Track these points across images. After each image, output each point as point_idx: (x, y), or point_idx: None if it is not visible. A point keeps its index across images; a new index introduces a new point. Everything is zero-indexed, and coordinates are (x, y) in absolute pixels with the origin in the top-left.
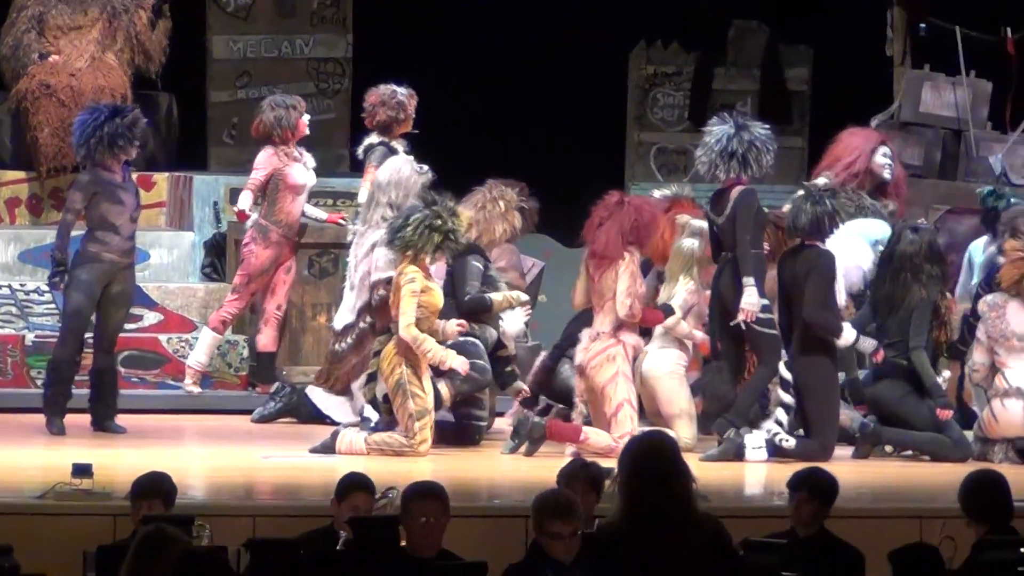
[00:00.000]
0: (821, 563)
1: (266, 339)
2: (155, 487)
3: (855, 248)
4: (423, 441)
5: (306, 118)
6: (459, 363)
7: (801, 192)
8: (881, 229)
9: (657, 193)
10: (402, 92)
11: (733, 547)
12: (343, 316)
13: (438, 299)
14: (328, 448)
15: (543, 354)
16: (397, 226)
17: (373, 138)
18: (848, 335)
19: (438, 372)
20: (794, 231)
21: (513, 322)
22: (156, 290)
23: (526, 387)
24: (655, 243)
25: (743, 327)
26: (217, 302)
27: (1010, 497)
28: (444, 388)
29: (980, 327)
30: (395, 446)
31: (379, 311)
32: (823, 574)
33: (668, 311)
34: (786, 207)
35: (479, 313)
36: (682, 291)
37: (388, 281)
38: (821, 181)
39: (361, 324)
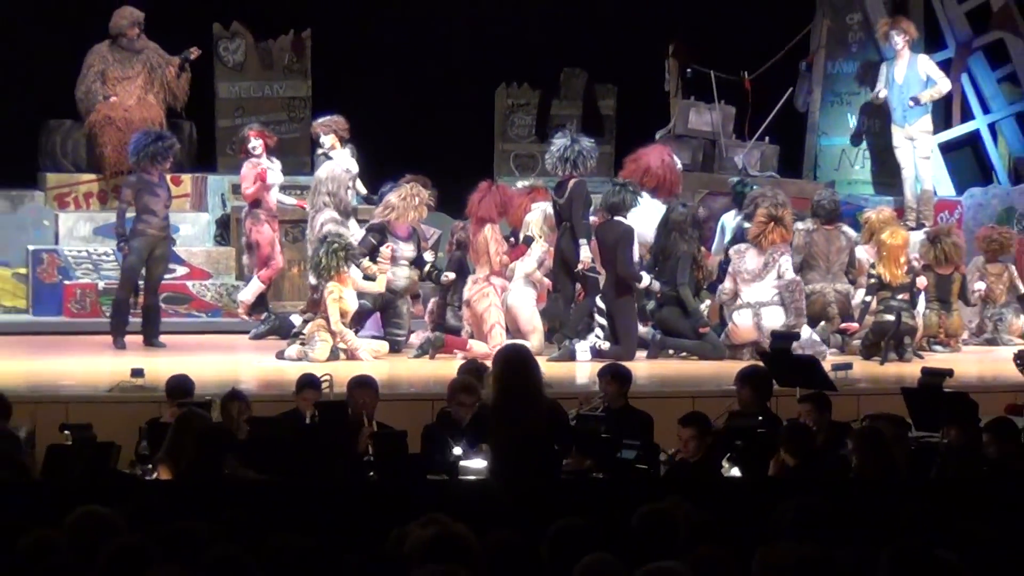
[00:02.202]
0: (626, 426)
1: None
2: (179, 385)
3: (651, 217)
4: (320, 354)
5: (253, 141)
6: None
7: (610, 184)
8: (661, 207)
9: (519, 184)
10: (336, 117)
11: (568, 421)
12: (311, 276)
13: (347, 305)
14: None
15: (433, 299)
16: (315, 262)
17: (318, 150)
18: (645, 280)
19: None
20: (605, 209)
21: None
22: (184, 252)
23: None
24: (517, 214)
25: (580, 273)
26: (226, 259)
27: (770, 383)
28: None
29: (731, 266)
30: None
31: None
32: (628, 433)
33: (528, 241)
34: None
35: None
36: (539, 250)
37: None
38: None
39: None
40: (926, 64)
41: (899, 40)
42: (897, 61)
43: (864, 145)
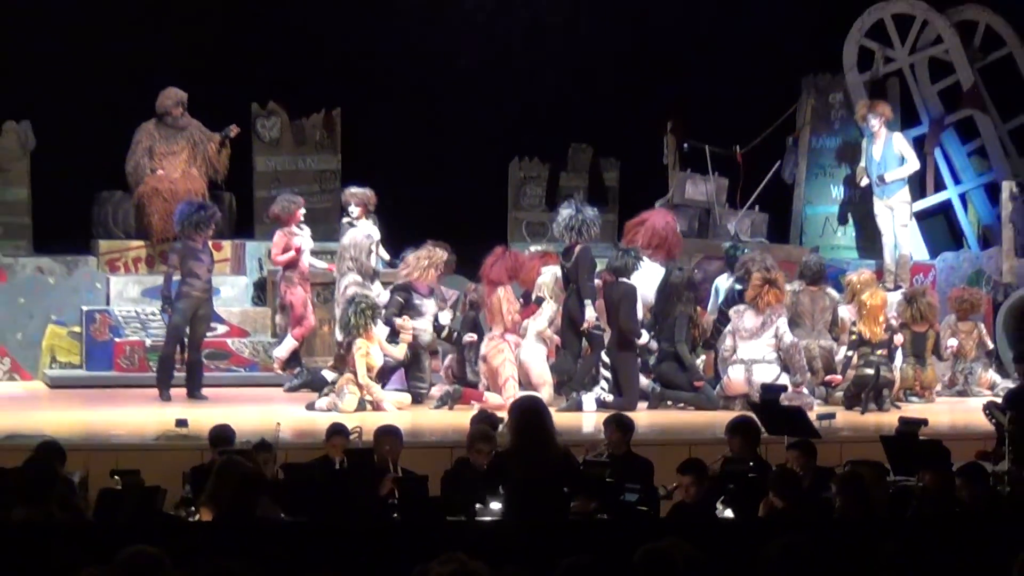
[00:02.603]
0: (628, 471)
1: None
2: (221, 434)
3: (652, 280)
4: (349, 405)
5: (302, 210)
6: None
7: (615, 249)
8: (661, 271)
9: (531, 249)
10: (368, 192)
11: (577, 465)
12: (338, 334)
13: (373, 360)
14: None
15: (451, 356)
16: (345, 322)
17: (345, 217)
18: (644, 338)
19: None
20: (611, 272)
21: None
22: (224, 311)
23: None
24: (529, 276)
25: (586, 331)
26: (262, 318)
27: (759, 432)
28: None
29: (730, 324)
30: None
31: None
32: (630, 478)
33: (539, 301)
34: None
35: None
36: (549, 310)
37: None
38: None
39: (347, 339)
40: (900, 143)
41: (875, 122)
42: (875, 140)
43: (847, 213)
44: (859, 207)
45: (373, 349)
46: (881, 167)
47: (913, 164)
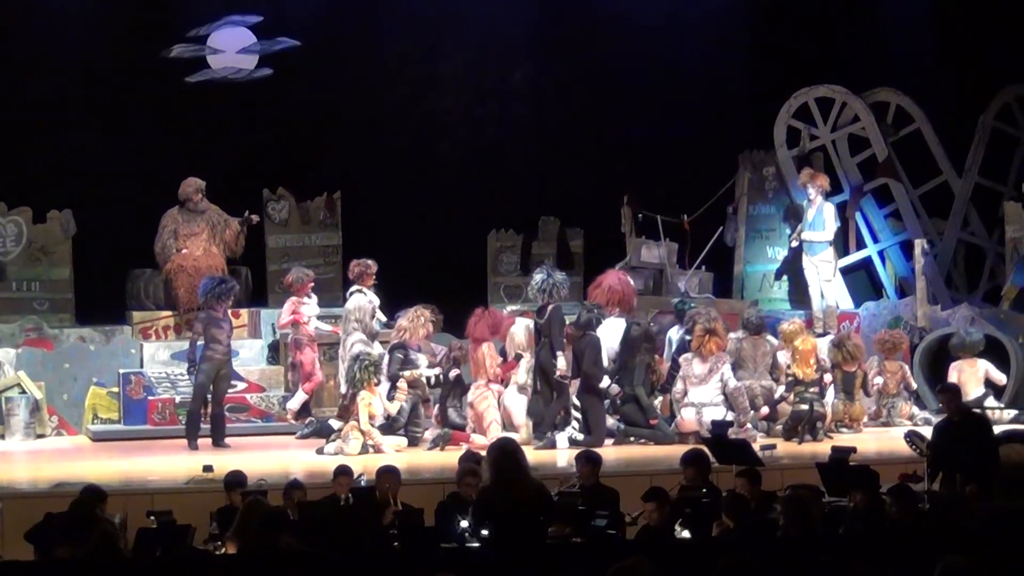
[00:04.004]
0: (598, 500)
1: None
2: (235, 479)
3: (616, 333)
4: (354, 449)
5: (311, 284)
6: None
7: (581, 308)
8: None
9: (508, 309)
10: (368, 261)
11: (550, 496)
12: (343, 386)
13: (375, 409)
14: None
15: (437, 407)
16: (351, 376)
17: (353, 287)
18: (605, 382)
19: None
20: (578, 327)
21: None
22: (243, 370)
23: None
24: (504, 332)
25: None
26: (276, 376)
27: (709, 462)
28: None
29: (681, 371)
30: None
31: None
32: (599, 506)
33: (518, 357)
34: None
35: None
36: (526, 363)
37: None
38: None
39: (351, 392)
40: (828, 212)
41: (812, 191)
42: (811, 207)
43: (781, 270)
44: (791, 265)
45: (375, 400)
46: (810, 229)
47: (828, 234)
